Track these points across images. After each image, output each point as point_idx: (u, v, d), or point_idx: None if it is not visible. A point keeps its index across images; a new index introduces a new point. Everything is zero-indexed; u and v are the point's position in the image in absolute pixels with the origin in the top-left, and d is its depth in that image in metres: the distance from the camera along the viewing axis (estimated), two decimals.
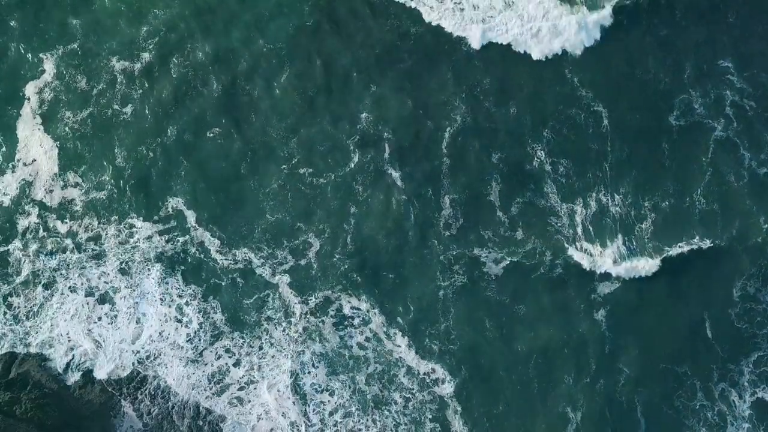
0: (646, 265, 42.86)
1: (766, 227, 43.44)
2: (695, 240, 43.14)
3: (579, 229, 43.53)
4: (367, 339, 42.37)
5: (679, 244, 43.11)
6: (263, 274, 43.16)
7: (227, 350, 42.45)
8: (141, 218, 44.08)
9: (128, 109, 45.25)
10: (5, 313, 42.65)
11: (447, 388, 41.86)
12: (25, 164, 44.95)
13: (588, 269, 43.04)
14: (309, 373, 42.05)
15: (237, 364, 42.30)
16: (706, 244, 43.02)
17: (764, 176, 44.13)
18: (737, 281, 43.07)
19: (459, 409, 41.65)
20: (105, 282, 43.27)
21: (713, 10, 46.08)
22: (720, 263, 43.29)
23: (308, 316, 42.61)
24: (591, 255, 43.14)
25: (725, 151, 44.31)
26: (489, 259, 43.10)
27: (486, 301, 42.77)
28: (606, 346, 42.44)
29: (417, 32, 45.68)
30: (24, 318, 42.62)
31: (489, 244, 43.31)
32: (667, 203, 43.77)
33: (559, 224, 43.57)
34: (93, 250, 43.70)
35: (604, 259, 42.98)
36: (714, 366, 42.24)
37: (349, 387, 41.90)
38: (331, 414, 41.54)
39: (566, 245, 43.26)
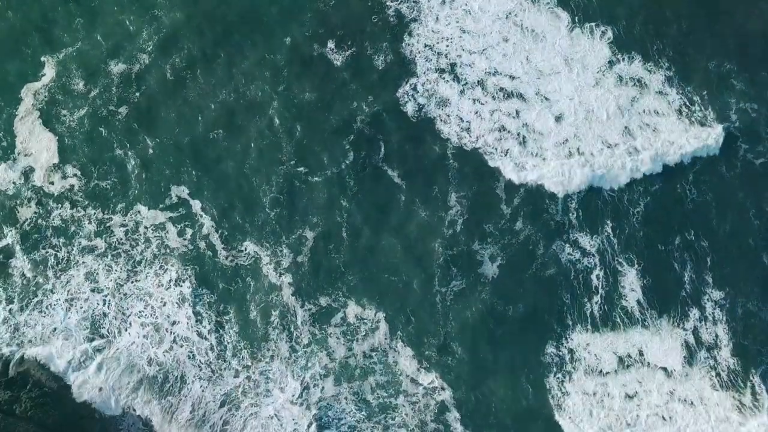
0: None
1: None
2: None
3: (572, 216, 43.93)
4: (371, 347, 42.40)
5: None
6: (266, 278, 43.34)
7: (234, 360, 42.40)
8: (147, 207, 44.38)
9: (123, 110, 45.88)
10: (5, 311, 42.87)
11: (447, 393, 41.83)
12: (26, 155, 45.28)
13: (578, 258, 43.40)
14: (317, 384, 42.05)
15: (242, 374, 42.27)
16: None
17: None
18: None
19: (458, 415, 41.60)
20: (110, 281, 43.47)
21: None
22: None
23: (311, 326, 42.71)
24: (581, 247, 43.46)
25: None
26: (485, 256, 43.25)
27: (483, 304, 42.91)
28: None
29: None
30: (25, 317, 42.91)
31: (488, 239, 43.46)
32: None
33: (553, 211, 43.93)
34: (96, 246, 43.96)
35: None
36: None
37: (356, 393, 41.95)
38: (338, 418, 41.64)
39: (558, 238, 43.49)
